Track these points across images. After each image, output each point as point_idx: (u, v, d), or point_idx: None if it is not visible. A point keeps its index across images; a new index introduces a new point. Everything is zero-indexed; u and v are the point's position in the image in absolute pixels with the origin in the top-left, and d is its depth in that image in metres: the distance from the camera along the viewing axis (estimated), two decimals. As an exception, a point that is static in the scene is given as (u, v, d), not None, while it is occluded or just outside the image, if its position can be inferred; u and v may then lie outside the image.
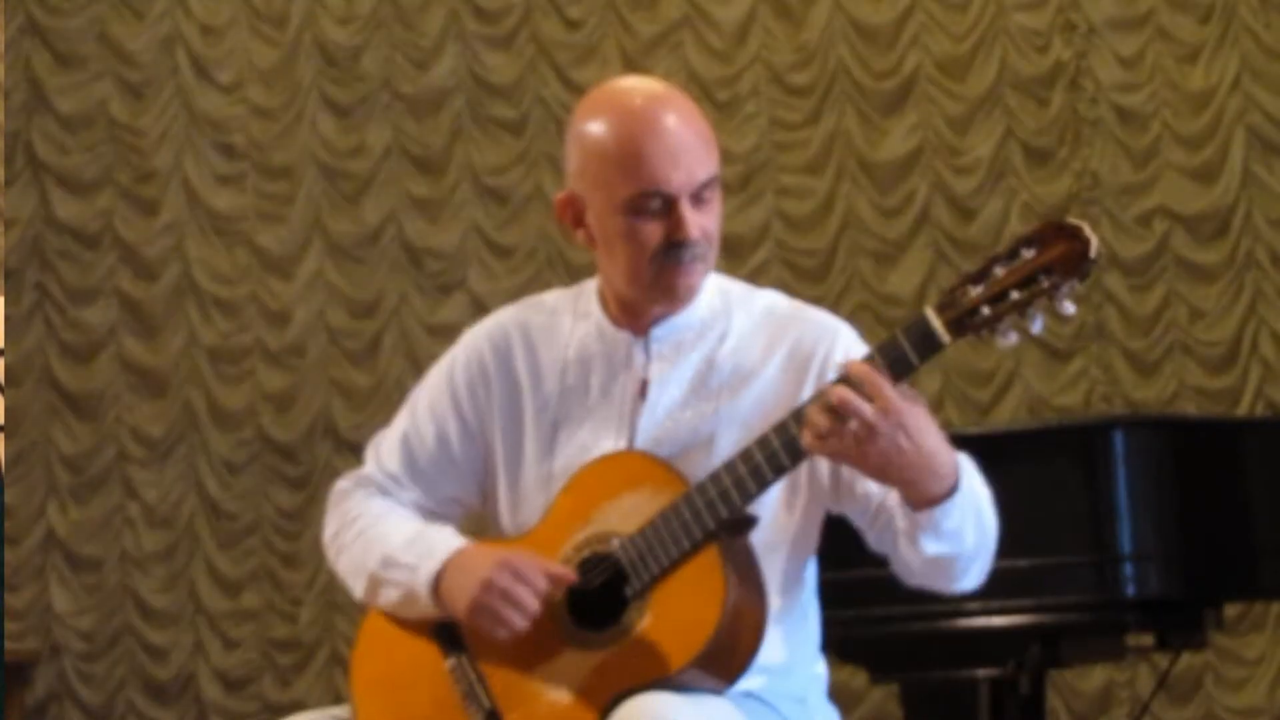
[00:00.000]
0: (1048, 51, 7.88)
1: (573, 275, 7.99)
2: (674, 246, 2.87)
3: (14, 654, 8.43)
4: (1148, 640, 5.25)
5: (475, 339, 3.05)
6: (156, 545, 8.67)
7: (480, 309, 8.39)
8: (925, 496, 2.73)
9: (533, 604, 2.81)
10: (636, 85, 2.96)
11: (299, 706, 8.42)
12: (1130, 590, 4.81)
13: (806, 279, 7.96)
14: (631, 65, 8.31)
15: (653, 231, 2.86)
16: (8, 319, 8.58)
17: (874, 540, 2.88)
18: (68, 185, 8.89)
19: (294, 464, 8.58)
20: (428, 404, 3.04)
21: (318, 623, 8.47)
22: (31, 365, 8.80)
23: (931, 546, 2.76)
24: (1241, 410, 7.54)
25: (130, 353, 8.79)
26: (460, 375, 3.03)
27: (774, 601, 2.86)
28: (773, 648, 2.85)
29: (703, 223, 2.88)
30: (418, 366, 8.34)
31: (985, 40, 7.96)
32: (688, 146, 2.86)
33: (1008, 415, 7.75)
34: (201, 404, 8.69)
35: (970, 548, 2.79)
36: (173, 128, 8.82)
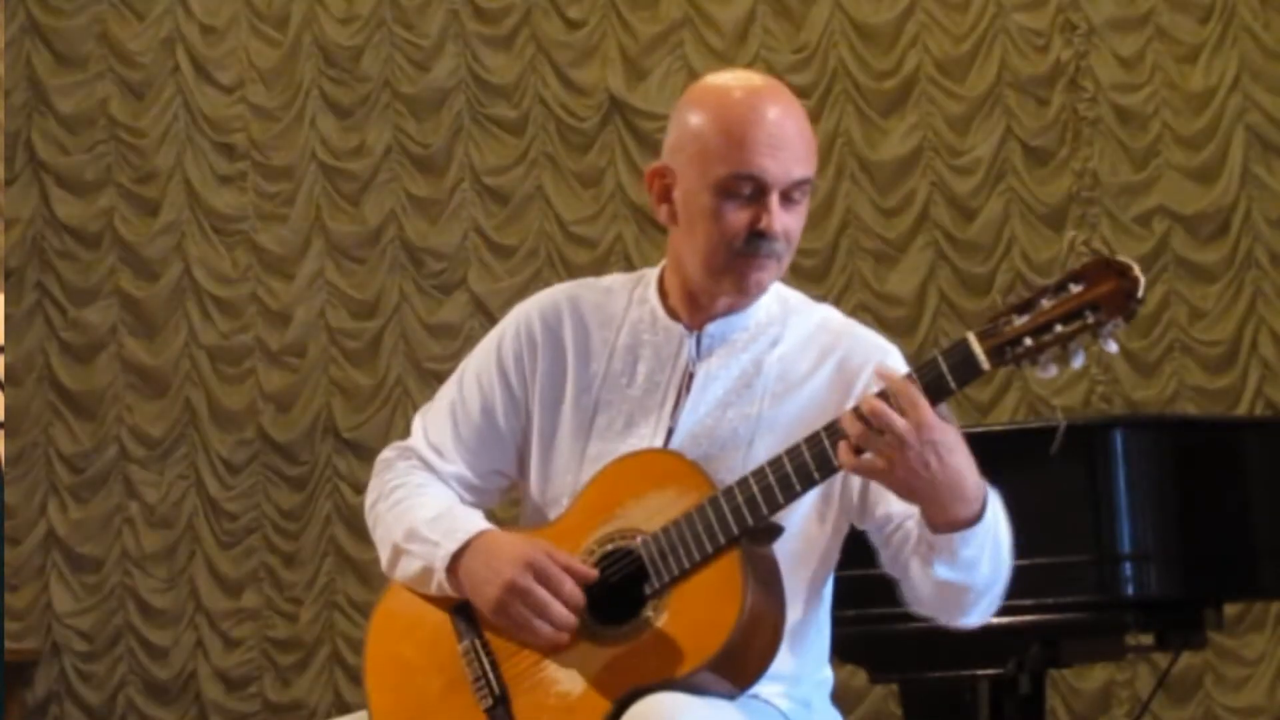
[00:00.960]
0: (1048, 51, 7.88)
1: (573, 275, 7.97)
2: (755, 237, 2.87)
3: (14, 654, 8.43)
4: (1148, 640, 5.25)
5: (526, 310, 3.05)
6: (156, 545, 8.67)
7: (480, 309, 8.44)
8: (948, 519, 2.73)
9: (557, 609, 2.81)
10: (750, 76, 2.99)
11: (299, 706, 8.43)
12: (1130, 590, 4.81)
13: (806, 279, 7.96)
14: (631, 65, 8.31)
15: (738, 217, 2.86)
16: (8, 319, 8.58)
17: (887, 560, 2.88)
18: (68, 185, 8.89)
19: (294, 464, 8.58)
20: (475, 375, 3.04)
21: (318, 623, 8.47)
22: (31, 365, 8.80)
23: (944, 571, 2.76)
24: (1241, 410, 7.54)
25: (130, 353, 8.79)
26: (508, 345, 3.02)
27: (794, 612, 2.86)
28: (786, 657, 2.85)
29: (787, 222, 2.88)
30: (418, 366, 8.36)
31: (985, 40, 7.96)
32: (789, 142, 2.88)
33: (1007, 415, 7.75)
34: (201, 404, 8.69)
35: (982, 582, 2.80)
36: (173, 128, 8.82)
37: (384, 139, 8.62)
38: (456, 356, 3.17)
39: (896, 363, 2.92)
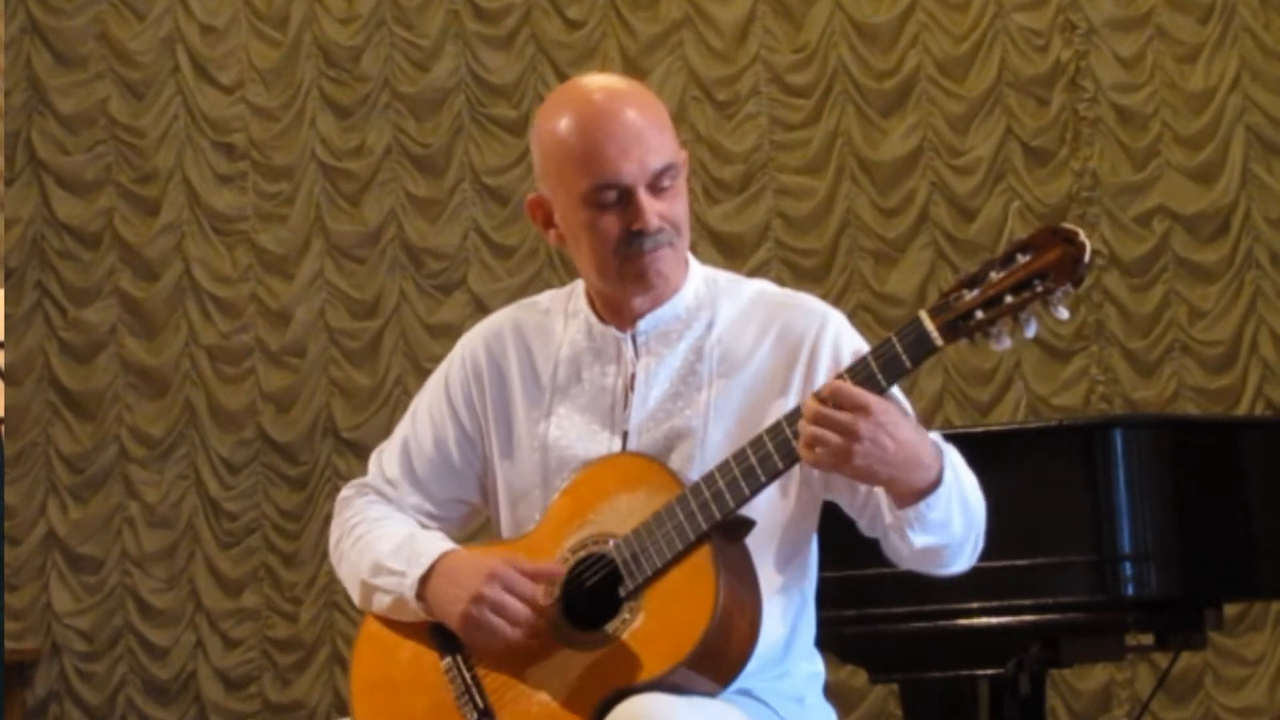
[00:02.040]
0: (1048, 51, 7.88)
1: (572, 275, 7.91)
2: (635, 236, 2.89)
3: (14, 654, 8.43)
4: (1148, 640, 5.25)
5: (470, 341, 3.09)
6: (156, 545, 8.67)
7: (480, 309, 8.43)
8: (910, 491, 2.74)
9: (525, 613, 2.83)
10: (587, 80, 2.99)
11: (299, 706, 8.43)
12: (1130, 590, 4.81)
13: (806, 279, 7.95)
14: (631, 65, 8.31)
15: (611, 223, 2.89)
16: (8, 319, 8.58)
17: (865, 527, 2.90)
18: (68, 185, 8.89)
19: (294, 464, 8.58)
20: (426, 409, 3.09)
21: (318, 623, 8.47)
22: (31, 365, 8.80)
23: (920, 539, 2.78)
24: (1241, 410, 7.54)
25: (130, 353, 8.79)
26: (455, 378, 3.07)
27: (774, 592, 2.87)
28: (769, 637, 2.85)
29: (662, 209, 2.89)
30: (418, 366, 8.37)
31: (985, 40, 7.95)
32: (638, 136, 2.88)
33: (1007, 415, 7.75)
34: (201, 404, 8.69)
35: (959, 535, 2.81)
36: (173, 128, 8.82)
37: (384, 139, 8.61)
38: (457, 356, 3.17)
39: (838, 326, 2.94)
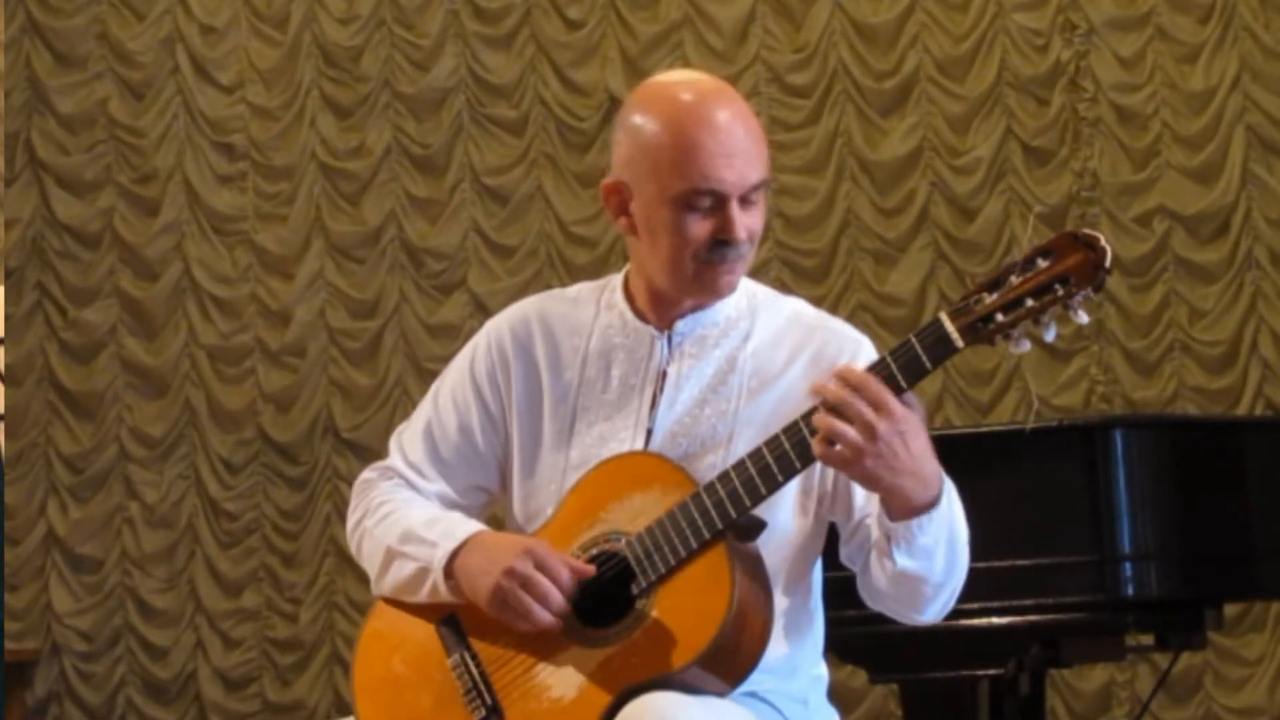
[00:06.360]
0: (1048, 51, 7.88)
1: (573, 275, 7.99)
2: (719, 245, 2.87)
3: (14, 654, 8.42)
4: (1148, 640, 5.25)
5: (497, 327, 3.05)
6: (156, 545, 8.67)
7: (480, 309, 8.44)
8: (907, 505, 2.73)
9: (557, 597, 2.81)
10: (694, 80, 2.95)
11: (299, 706, 8.43)
12: (1130, 590, 4.81)
13: (806, 279, 7.96)
14: (631, 65, 8.31)
15: (701, 228, 2.87)
16: (8, 319, 8.58)
17: (846, 553, 2.90)
18: (68, 185, 8.89)
19: (294, 464, 8.57)
20: (450, 393, 3.05)
21: (318, 623, 8.47)
22: (31, 365, 8.80)
23: (903, 560, 2.77)
24: (1241, 410, 7.54)
25: (130, 353, 8.79)
26: (481, 363, 3.03)
27: (781, 602, 2.87)
28: (778, 647, 2.86)
29: (749, 223, 2.89)
30: (418, 366, 8.37)
31: (985, 40, 7.95)
32: (742, 148, 2.87)
33: (1007, 415, 7.75)
34: (201, 404, 8.69)
35: (939, 574, 2.80)
36: (173, 128, 8.82)
37: (384, 139, 8.61)
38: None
39: (869, 355, 2.93)
